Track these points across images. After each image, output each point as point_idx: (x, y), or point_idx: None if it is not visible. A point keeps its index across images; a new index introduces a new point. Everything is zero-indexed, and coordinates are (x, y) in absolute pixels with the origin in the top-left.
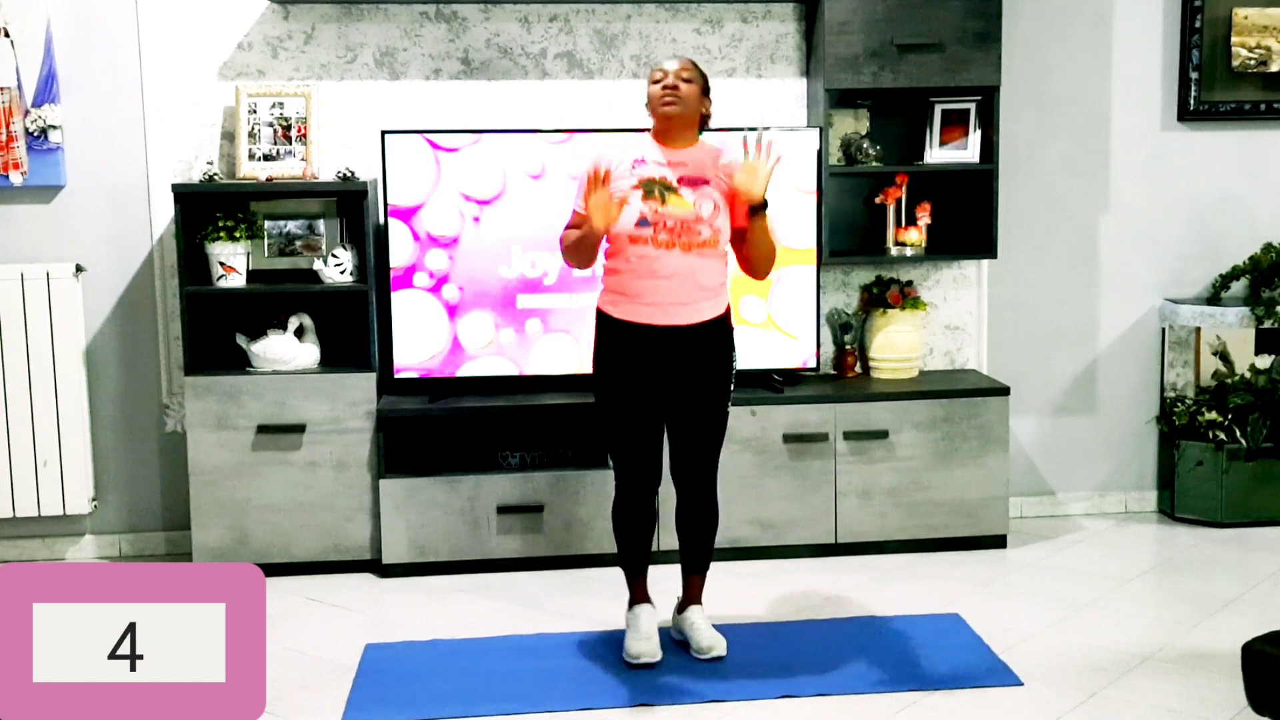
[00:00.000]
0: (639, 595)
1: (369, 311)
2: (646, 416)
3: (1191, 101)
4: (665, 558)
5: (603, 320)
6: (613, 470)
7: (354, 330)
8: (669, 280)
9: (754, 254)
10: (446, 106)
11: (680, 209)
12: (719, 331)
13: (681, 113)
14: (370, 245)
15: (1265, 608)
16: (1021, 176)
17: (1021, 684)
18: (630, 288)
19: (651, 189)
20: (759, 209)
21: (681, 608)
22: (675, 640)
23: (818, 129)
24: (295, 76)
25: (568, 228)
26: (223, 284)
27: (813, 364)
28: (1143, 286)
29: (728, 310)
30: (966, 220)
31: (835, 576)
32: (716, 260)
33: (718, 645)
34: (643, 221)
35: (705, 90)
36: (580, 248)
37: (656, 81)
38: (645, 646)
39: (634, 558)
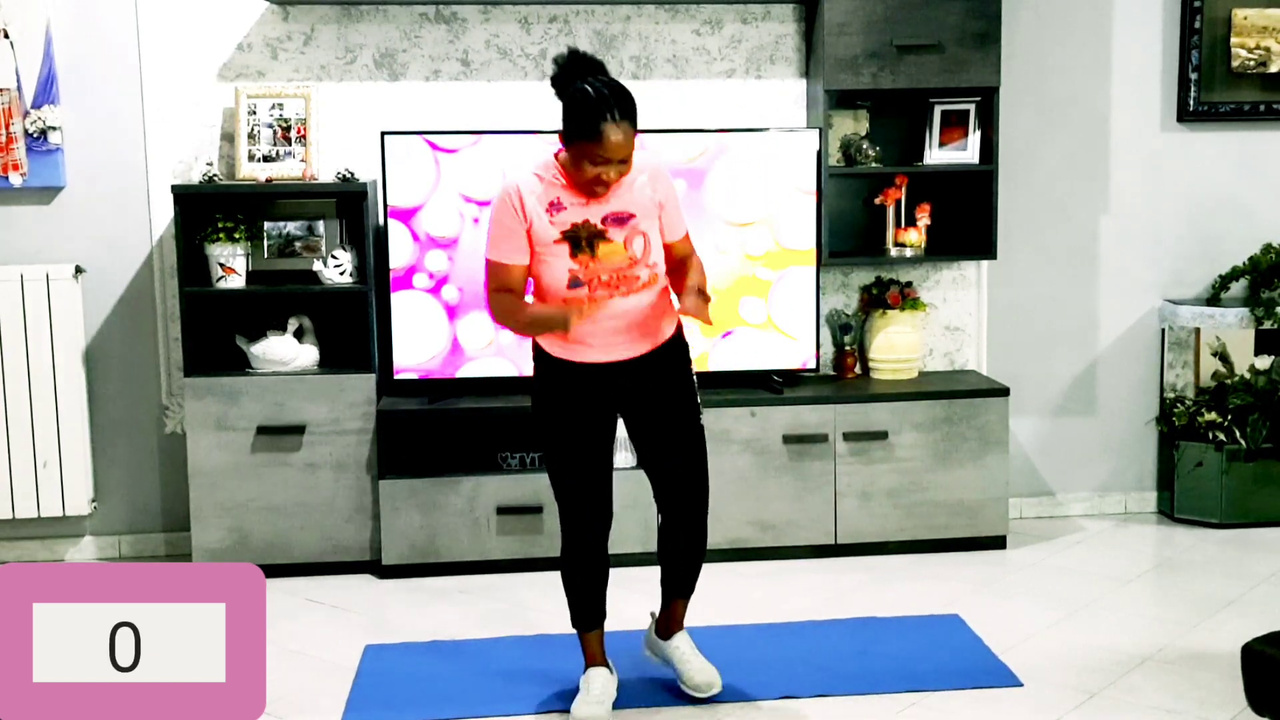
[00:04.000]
0: (593, 656)
1: (369, 312)
2: (597, 456)
3: (1191, 102)
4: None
5: (542, 359)
6: (560, 517)
7: (354, 331)
8: (611, 321)
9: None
10: (446, 107)
11: (613, 257)
12: (671, 350)
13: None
14: (370, 246)
15: (1265, 608)
16: (1021, 177)
17: (1021, 684)
18: (578, 331)
19: (579, 242)
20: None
21: (665, 632)
22: (652, 663)
23: (817, 130)
24: (295, 77)
25: (495, 289)
26: (222, 285)
27: (812, 365)
28: (1143, 287)
29: (680, 327)
30: (966, 221)
31: (835, 576)
32: (659, 293)
33: (716, 682)
34: (575, 281)
35: (636, 125)
36: (529, 331)
37: (595, 162)
38: (595, 711)
39: (589, 612)
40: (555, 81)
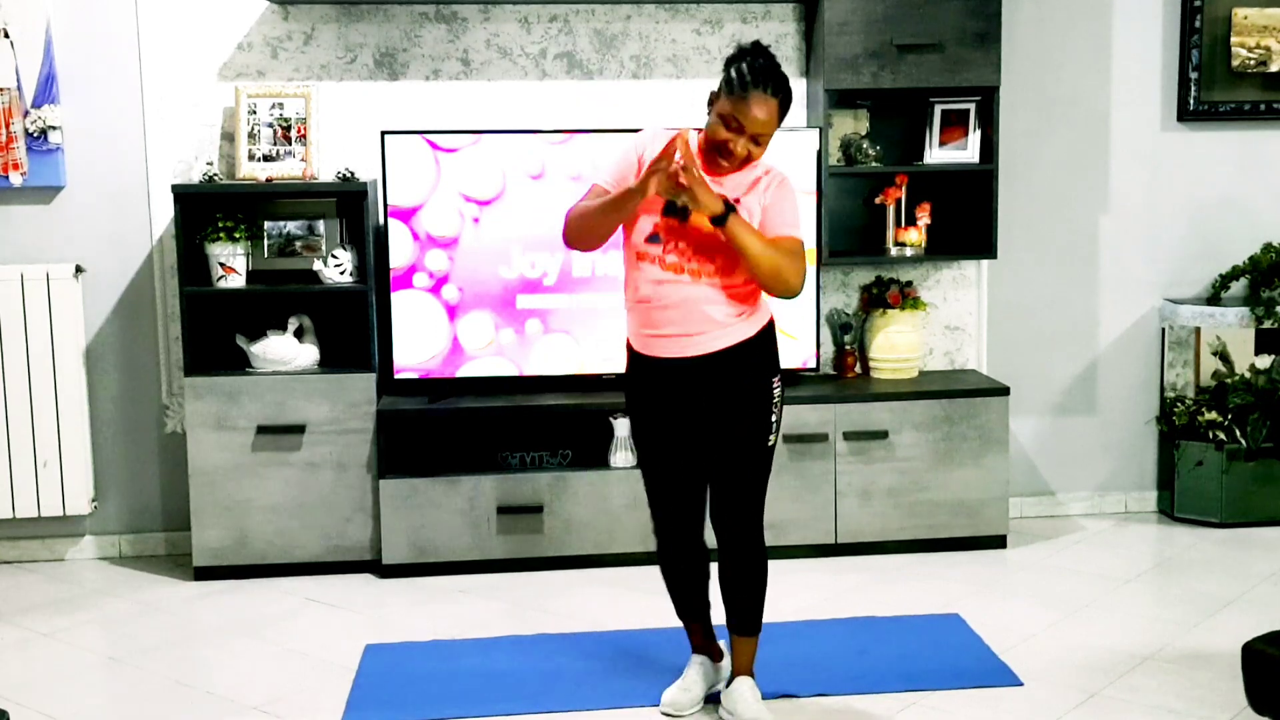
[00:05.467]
0: (694, 643)
1: (369, 312)
2: (677, 455)
3: (1191, 102)
4: None
5: (629, 354)
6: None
7: (354, 331)
8: (674, 309)
9: (749, 268)
10: (446, 107)
11: (700, 230)
12: (746, 356)
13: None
14: (370, 246)
15: (1265, 608)
16: (1021, 176)
17: (1021, 684)
18: (641, 317)
19: (674, 204)
20: (719, 219)
21: (730, 677)
22: None
23: (817, 129)
24: (295, 77)
25: (584, 198)
26: (222, 284)
27: (813, 364)
28: (1142, 286)
29: (760, 332)
30: (966, 220)
31: (835, 576)
32: (733, 289)
33: None
34: (653, 236)
35: (784, 117)
36: (606, 212)
37: (730, 126)
38: (678, 697)
39: (682, 604)
40: (729, 61)
